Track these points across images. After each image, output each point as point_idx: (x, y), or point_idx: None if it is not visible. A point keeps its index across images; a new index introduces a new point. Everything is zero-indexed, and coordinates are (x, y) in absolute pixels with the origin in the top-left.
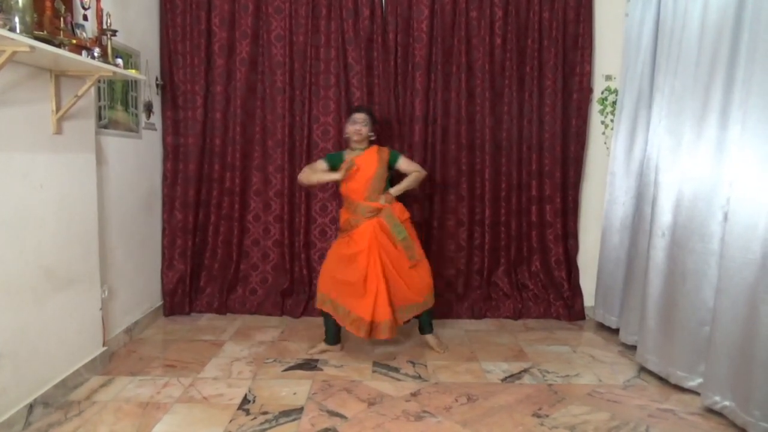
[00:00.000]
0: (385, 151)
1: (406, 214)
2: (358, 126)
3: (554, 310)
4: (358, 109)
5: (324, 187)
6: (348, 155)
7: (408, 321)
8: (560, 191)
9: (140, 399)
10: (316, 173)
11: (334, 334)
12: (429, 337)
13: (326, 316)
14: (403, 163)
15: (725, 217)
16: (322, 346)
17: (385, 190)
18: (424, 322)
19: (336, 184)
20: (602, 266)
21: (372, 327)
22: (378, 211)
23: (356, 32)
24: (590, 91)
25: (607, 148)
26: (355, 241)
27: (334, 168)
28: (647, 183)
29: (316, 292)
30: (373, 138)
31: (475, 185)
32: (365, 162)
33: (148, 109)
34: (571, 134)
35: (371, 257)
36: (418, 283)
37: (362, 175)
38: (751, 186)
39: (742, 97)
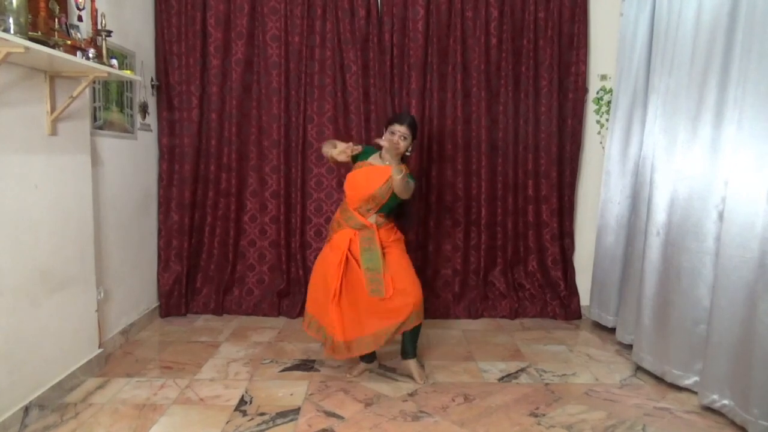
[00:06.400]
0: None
1: (393, 237)
2: (396, 138)
3: (551, 309)
4: (400, 119)
5: (320, 186)
6: (374, 160)
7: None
8: (556, 191)
9: (137, 401)
10: (334, 147)
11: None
12: (410, 363)
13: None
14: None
15: (720, 216)
16: (361, 366)
17: (388, 213)
18: (407, 343)
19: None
20: (597, 265)
21: (347, 346)
22: (363, 227)
23: (352, 33)
24: (585, 90)
25: (603, 147)
26: (332, 248)
27: (357, 156)
28: (642, 182)
29: (304, 313)
30: (409, 154)
31: (472, 185)
32: (377, 174)
33: (144, 110)
34: (566, 134)
35: (342, 274)
36: (390, 308)
37: (366, 185)
38: (747, 185)
39: (737, 96)
